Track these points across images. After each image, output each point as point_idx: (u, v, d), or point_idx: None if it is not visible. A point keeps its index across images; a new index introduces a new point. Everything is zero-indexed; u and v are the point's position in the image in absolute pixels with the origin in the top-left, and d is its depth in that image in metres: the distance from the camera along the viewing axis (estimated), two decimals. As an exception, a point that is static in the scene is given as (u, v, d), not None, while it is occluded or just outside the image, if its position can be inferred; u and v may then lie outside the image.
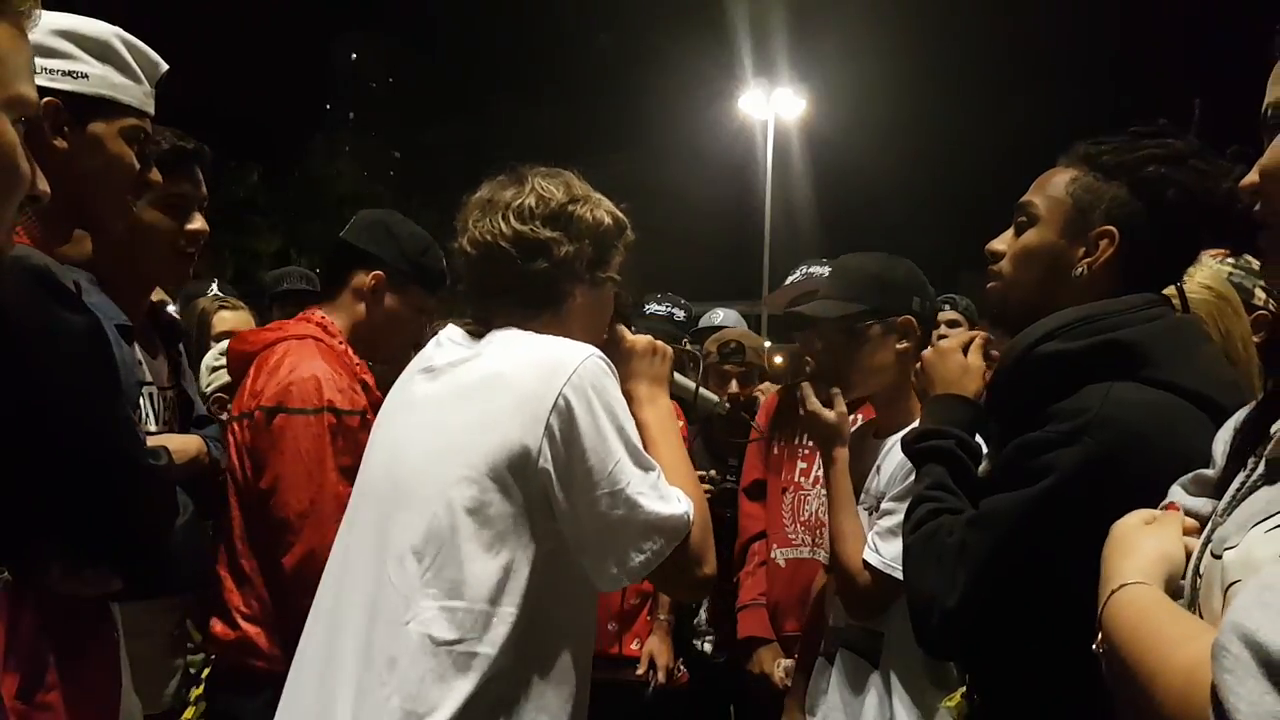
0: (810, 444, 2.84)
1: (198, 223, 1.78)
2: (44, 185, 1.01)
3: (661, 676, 2.84)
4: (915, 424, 1.70)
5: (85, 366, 1.13)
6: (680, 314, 3.58)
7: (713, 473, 3.02)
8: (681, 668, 2.95)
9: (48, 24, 1.36)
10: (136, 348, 1.65)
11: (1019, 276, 1.44)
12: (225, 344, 2.66)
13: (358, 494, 1.55)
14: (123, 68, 1.49)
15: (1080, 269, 1.37)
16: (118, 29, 1.52)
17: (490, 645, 1.34)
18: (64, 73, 1.42)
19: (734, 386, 3.21)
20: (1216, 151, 1.35)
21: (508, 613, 1.36)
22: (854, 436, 2.19)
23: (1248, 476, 0.92)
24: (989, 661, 1.42)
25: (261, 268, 18.49)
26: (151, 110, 1.56)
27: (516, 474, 1.38)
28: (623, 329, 1.69)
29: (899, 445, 2.04)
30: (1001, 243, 1.48)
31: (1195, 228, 1.34)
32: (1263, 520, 0.85)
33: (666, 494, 1.43)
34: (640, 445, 1.44)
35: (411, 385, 1.57)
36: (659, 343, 1.69)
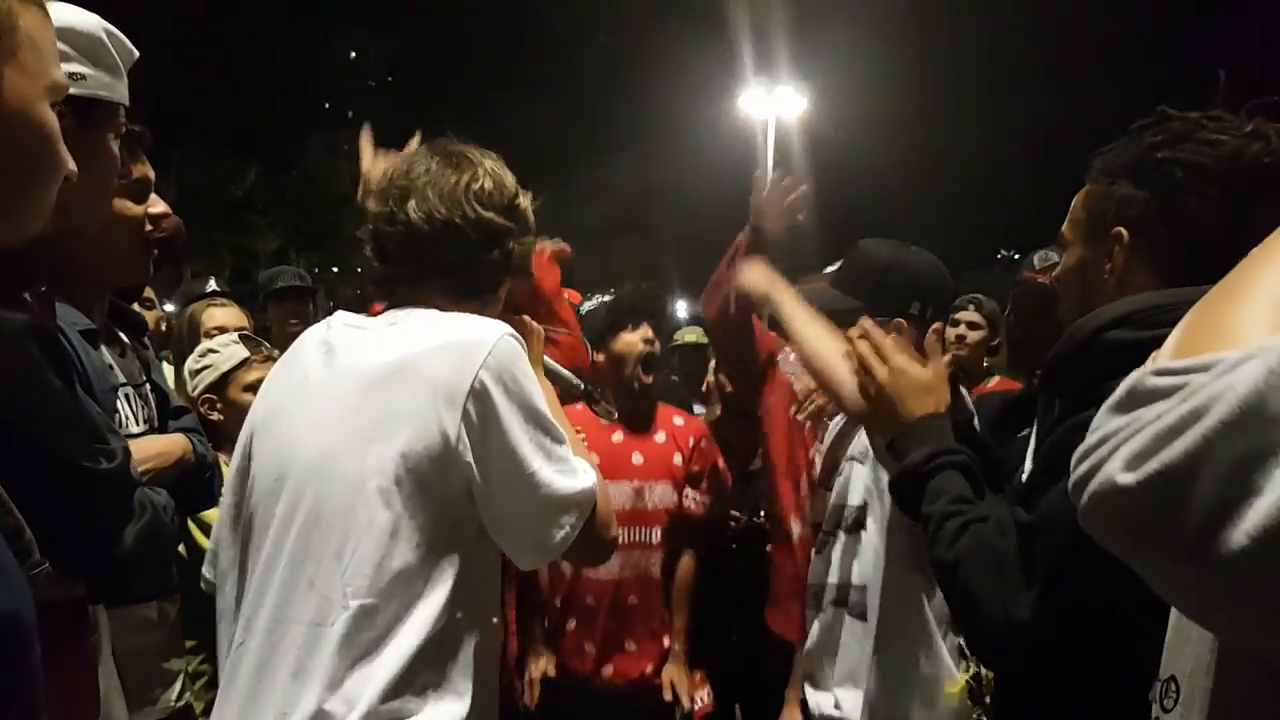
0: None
1: (160, 205, 1.70)
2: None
3: (686, 703, 2.83)
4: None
5: (22, 367, 1.09)
6: None
7: (735, 514, 3.18)
8: (706, 697, 2.92)
9: None
10: (104, 350, 1.59)
11: (1066, 296, 1.51)
12: (205, 345, 2.61)
13: (255, 492, 1.47)
14: (110, 67, 1.44)
15: (1107, 274, 1.39)
16: (101, 20, 1.45)
17: (414, 635, 1.34)
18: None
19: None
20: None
21: (434, 602, 1.36)
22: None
23: None
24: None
25: (260, 266, 18.43)
26: (126, 100, 1.49)
27: (437, 468, 1.37)
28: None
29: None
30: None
31: (1236, 197, 1.29)
32: None
33: (575, 468, 1.45)
34: (554, 420, 1.45)
35: (306, 362, 1.51)
36: (532, 321, 1.71)
